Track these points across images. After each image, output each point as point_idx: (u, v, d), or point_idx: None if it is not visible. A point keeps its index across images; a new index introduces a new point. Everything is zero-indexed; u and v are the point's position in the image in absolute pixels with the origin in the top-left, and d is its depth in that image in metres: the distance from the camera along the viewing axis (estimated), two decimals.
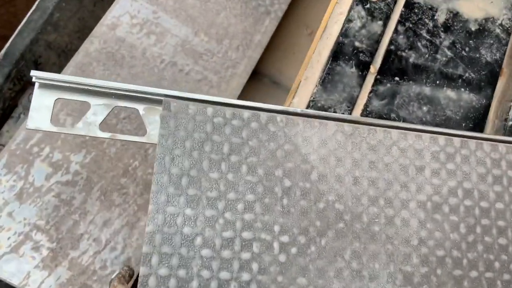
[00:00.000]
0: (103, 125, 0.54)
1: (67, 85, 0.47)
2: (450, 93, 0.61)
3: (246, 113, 0.50)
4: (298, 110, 0.52)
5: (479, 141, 0.55)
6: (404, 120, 0.58)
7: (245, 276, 0.45)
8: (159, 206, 0.45)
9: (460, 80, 0.61)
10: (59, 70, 0.81)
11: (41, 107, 0.47)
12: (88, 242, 0.67)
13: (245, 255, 0.46)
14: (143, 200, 0.72)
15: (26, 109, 0.79)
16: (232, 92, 0.82)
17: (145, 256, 0.43)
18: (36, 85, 0.47)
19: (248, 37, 0.86)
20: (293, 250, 0.47)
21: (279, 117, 0.51)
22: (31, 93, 0.80)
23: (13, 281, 0.65)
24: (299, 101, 0.57)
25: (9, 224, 0.67)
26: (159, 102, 0.49)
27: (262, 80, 0.99)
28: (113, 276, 0.57)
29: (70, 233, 0.67)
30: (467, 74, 0.62)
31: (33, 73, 0.46)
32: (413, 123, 0.58)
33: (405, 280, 0.48)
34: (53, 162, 0.70)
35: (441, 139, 0.54)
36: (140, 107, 0.49)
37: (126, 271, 0.58)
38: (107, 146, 0.73)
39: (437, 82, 0.61)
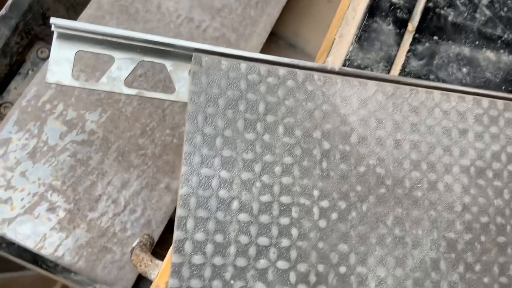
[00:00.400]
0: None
1: (90, 35, 0.43)
2: (490, 54, 0.57)
3: (282, 71, 0.47)
4: (336, 68, 0.48)
5: None
6: (444, 82, 0.55)
7: (285, 242, 0.43)
8: (193, 168, 0.42)
9: (499, 41, 0.58)
10: None
11: (61, 59, 0.43)
12: (107, 203, 0.65)
13: (284, 220, 0.43)
14: (162, 161, 0.69)
15: (35, 65, 0.74)
16: (251, 51, 0.78)
17: (179, 220, 0.41)
18: (55, 34, 0.43)
19: None
20: (334, 215, 0.44)
21: (316, 75, 0.47)
22: (40, 48, 0.76)
23: (28, 244, 0.63)
24: (333, 60, 0.53)
25: (23, 185, 0.64)
26: (187, 57, 0.46)
27: (277, 42, 0.94)
28: (134, 245, 0.55)
29: (87, 194, 0.65)
30: (506, 35, 0.58)
31: (53, 20, 0.42)
32: (454, 84, 0.55)
33: (449, 247, 0.46)
34: (67, 120, 0.67)
35: (485, 101, 0.51)
36: (168, 63, 0.46)
37: (146, 239, 0.56)
38: (123, 105, 0.69)
39: (476, 42, 0.57)
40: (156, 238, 0.66)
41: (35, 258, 0.64)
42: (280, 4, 0.81)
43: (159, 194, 0.68)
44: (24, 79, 0.73)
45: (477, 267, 0.47)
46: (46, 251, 0.62)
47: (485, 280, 0.46)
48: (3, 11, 0.71)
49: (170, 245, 0.73)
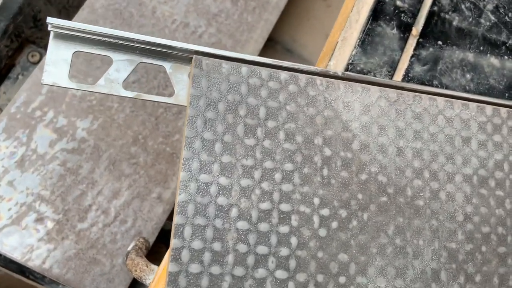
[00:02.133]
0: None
1: (88, 36, 0.42)
2: (494, 60, 0.57)
3: (284, 75, 0.46)
4: (339, 73, 0.47)
5: None
6: (447, 88, 0.55)
7: (284, 251, 0.41)
8: (192, 174, 0.41)
9: (503, 47, 0.58)
10: None
11: (58, 60, 0.42)
12: (97, 214, 0.63)
13: (283, 229, 0.42)
14: (154, 171, 0.67)
15: (25, 69, 0.73)
16: None
17: (177, 228, 0.39)
18: (51, 34, 0.42)
19: None
20: (334, 224, 0.43)
21: (318, 80, 0.46)
22: (30, 52, 0.75)
23: (15, 255, 0.60)
24: (336, 64, 0.53)
25: (10, 194, 0.62)
26: (187, 60, 0.45)
27: (274, 47, 0.94)
28: (129, 249, 0.53)
29: (77, 204, 0.63)
30: (510, 41, 0.58)
31: (50, 19, 0.41)
32: (458, 91, 0.54)
33: (449, 257, 0.45)
34: (57, 128, 0.65)
35: (488, 109, 0.50)
36: (167, 65, 0.44)
37: (142, 243, 0.55)
38: (115, 112, 0.68)
39: (481, 48, 0.57)
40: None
41: (22, 269, 0.62)
42: (277, 10, 0.80)
43: (151, 204, 0.66)
44: (14, 84, 0.71)
45: (478, 278, 0.46)
46: (33, 263, 0.60)
47: None
48: None
49: (162, 255, 0.71)
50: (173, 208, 0.67)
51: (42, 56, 0.73)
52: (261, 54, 0.80)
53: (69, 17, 0.74)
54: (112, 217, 0.64)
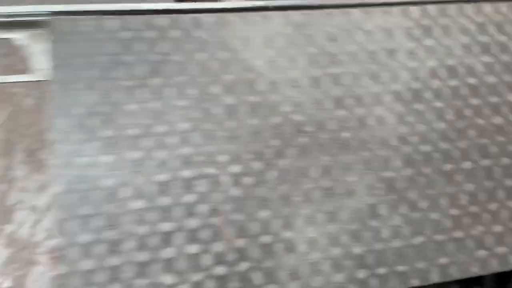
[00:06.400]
0: None
1: None
2: None
3: (162, 20, 0.39)
4: (229, 5, 0.40)
5: (459, 4, 0.44)
6: None
7: (193, 223, 0.37)
8: (67, 160, 0.36)
9: None
10: None
11: None
12: None
13: (189, 198, 0.37)
14: None
15: None
16: None
17: (59, 223, 0.35)
18: None
19: None
20: (248, 180, 0.39)
21: (205, 17, 0.39)
22: None
23: None
24: None
25: None
26: (41, 25, 0.38)
27: None
28: None
29: None
30: None
31: None
32: None
33: (387, 188, 0.41)
34: None
35: (414, 10, 0.43)
36: (21, 35, 0.37)
37: None
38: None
39: None
40: None
41: None
42: None
43: None
44: None
45: (423, 204, 0.42)
46: None
47: (433, 216, 0.41)
48: None
49: None
50: None
51: None
52: None
53: None
54: None
